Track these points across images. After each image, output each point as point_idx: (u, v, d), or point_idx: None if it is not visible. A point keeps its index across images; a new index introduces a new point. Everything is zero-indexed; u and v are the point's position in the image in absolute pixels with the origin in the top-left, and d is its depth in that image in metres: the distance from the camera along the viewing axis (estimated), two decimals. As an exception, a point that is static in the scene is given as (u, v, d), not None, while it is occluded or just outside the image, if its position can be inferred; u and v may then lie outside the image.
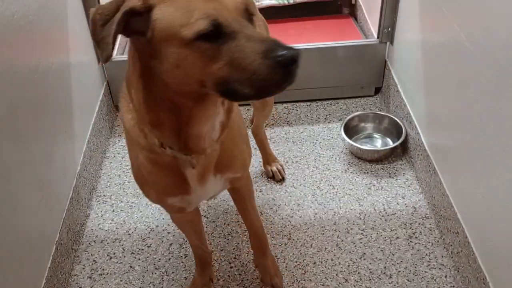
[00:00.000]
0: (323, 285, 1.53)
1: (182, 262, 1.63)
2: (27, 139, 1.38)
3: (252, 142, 1.79)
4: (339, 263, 1.59)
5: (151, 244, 1.69)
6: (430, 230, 1.68)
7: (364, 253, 1.62)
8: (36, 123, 1.45)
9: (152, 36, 0.80)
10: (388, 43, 2.16)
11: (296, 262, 1.60)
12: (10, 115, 1.28)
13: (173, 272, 1.60)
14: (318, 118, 2.20)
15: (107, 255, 1.66)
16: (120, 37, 2.12)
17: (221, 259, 1.63)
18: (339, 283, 1.54)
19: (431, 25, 1.69)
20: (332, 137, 2.09)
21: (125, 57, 2.30)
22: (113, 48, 0.80)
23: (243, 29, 0.79)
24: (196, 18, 0.77)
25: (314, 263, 1.60)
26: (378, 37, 2.16)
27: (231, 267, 1.61)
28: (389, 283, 1.53)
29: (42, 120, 1.50)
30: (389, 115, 2.07)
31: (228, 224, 1.74)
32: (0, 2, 1.25)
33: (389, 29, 2.10)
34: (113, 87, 2.19)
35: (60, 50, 1.70)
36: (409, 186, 1.85)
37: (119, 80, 2.36)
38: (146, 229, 1.74)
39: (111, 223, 1.77)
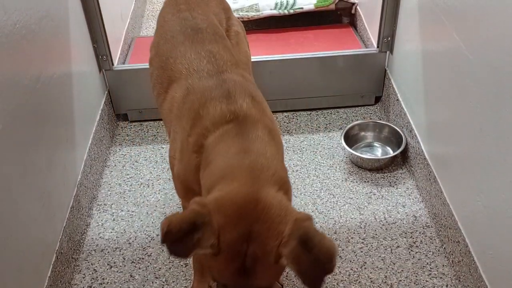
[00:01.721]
0: (323, 294, 1.53)
1: (182, 271, 1.62)
2: (28, 147, 1.39)
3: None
4: (340, 272, 1.59)
5: (151, 253, 1.68)
6: (431, 239, 1.68)
7: (365, 262, 1.62)
8: (37, 131, 1.45)
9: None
10: (388, 52, 2.17)
11: (297, 271, 1.60)
12: (12, 124, 1.29)
13: (173, 281, 1.59)
14: (318, 127, 2.21)
15: (108, 264, 1.66)
16: (121, 45, 2.16)
17: (221, 268, 1.62)
18: (340, 292, 1.53)
19: (430, 34, 1.70)
20: (332, 146, 2.09)
21: (126, 66, 2.32)
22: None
23: None
24: None
25: (315, 272, 1.59)
26: (377, 46, 2.17)
27: (232, 276, 1.60)
28: (390, 292, 1.52)
29: (43, 129, 1.50)
30: (389, 124, 2.07)
31: (228, 233, 1.74)
32: (2, 11, 1.26)
33: (389, 38, 2.11)
34: (114, 96, 2.20)
35: (62, 60, 1.71)
36: (409, 195, 1.85)
37: (120, 89, 2.37)
38: (147, 238, 1.74)
39: (111, 232, 1.77)
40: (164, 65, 1.33)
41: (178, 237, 0.87)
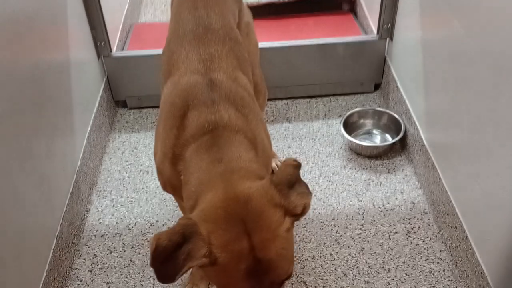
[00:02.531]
0: (322, 279, 1.54)
1: (181, 256, 1.64)
2: (28, 134, 1.39)
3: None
4: (338, 257, 1.60)
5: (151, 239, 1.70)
6: (429, 225, 1.69)
7: (363, 248, 1.63)
8: (36, 119, 1.46)
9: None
10: (387, 39, 2.16)
11: (295, 256, 1.61)
12: (11, 111, 1.29)
13: (173, 267, 1.61)
14: (318, 114, 2.21)
15: (108, 249, 1.67)
16: (120, 31, 2.16)
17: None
18: (338, 277, 1.54)
19: (431, 22, 1.69)
20: (331, 133, 2.10)
21: (124, 53, 2.30)
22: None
23: None
24: None
25: (313, 257, 1.61)
26: (377, 34, 2.16)
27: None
28: (388, 277, 1.54)
29: (42, 116, 1.50)
30: (388, 111, 2.07)
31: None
32: (0, -3, 1.26)
33: (389, 25, 2.10)
34: (113, 82, 2.20)
35: (60, 46, 1.71)
36: (407, 181, 1.86)
37: (119, 76, 2.36)
38: (146, 224, 1.75)
39: (111, 218, 1.78)
40: (169, 59, 1.33)
41: (169, 252, 0.85)
